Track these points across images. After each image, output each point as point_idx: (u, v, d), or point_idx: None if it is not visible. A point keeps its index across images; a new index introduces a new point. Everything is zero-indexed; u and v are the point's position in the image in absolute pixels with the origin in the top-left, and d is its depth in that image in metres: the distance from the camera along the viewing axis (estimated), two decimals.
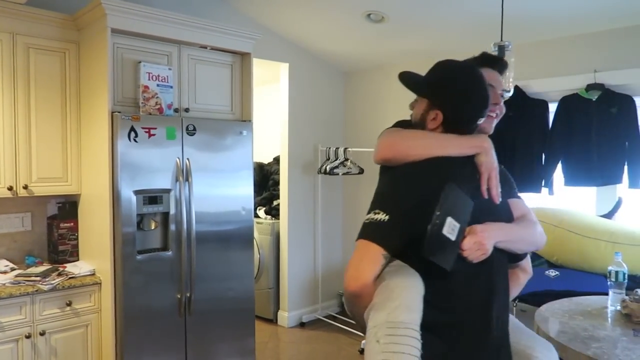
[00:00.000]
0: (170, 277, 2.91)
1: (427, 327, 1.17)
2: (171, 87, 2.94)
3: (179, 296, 2.94)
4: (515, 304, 2.91)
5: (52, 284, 2.68)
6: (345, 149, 4.37)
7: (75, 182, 3.02)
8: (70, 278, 2.79)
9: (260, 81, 5.27)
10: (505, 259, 1.38)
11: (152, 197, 2.83)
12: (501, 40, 2.50)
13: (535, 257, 3.23)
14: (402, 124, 1.52)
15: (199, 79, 3.15)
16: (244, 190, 3.23)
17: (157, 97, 2.88)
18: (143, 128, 2.76)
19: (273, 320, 4.64)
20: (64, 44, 2.93)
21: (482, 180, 1.33)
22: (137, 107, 2.86)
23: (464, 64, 1.41)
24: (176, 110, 3.01)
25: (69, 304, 2.75)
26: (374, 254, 1.23)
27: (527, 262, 1.50)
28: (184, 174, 2.94)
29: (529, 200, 2.10)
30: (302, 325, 4.60)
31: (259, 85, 5.39)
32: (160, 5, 3.39)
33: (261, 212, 4.78)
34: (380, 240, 1.23)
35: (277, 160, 4.94)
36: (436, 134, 1.37)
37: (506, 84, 2.44)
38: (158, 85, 2.88)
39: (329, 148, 4.49)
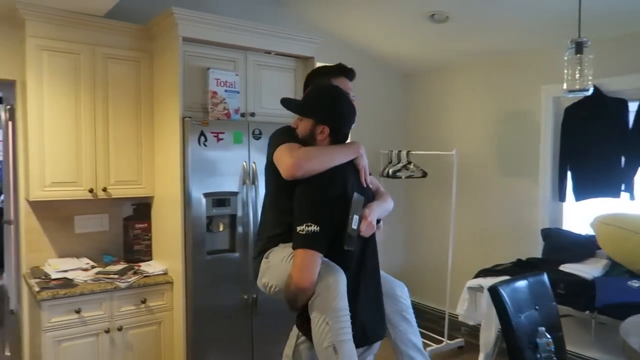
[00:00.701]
0: (237, 278, 2.98)
1: None
2: (238, 92, 3.02)
3: (245, 297, 3.00)
4: (593, 316, 2.74)
5: (128, 282, 2.82)
6: (408, 152, 4.31)
7: (149, 185, 3.17)
8: (144, 277, 2.92)
9: None
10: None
11: (220, 200, 2.91)
12: (579, 36, 2.36)
13: (615, 265, 3.03)
14: (289, 133, 1.84)
15: (264, 84, 3.22)
16: None
17: (225, 102, 2.96)
18: (212, 132, 2.85)
19: None
20: (138, 53, 3.09)
21: (361, 175, 1.83)
22: (205, 112, 2.96)
23: (333, 87, 1.85)
24: (242, 115, 3.08)
25: (144, 302, 2.88)
26: (316, 259, 1.62)
27: (382, 224, 1.96)
28: (250, 177, 3.00)
29: (607, 205, 1.98)
30: None
31: None
32: (226, 13, 3.49)
33: None
34: (318, 247, 1.63)
35: None
36: (326, 148, 1.76)
37: (584, 82, 2.32)
38: (225, 90, 2.96)
39: (391, 151, 4.44)
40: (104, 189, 3.00)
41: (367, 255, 1.83)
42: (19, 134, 3.05)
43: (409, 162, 4.30)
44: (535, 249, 3.69)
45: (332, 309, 1.60)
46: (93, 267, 3.03)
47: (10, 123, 5.01)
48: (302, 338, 1.78)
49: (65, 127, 2.87)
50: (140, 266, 3.07)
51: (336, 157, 1.74)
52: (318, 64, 3.51)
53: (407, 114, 4.90)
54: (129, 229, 3.24)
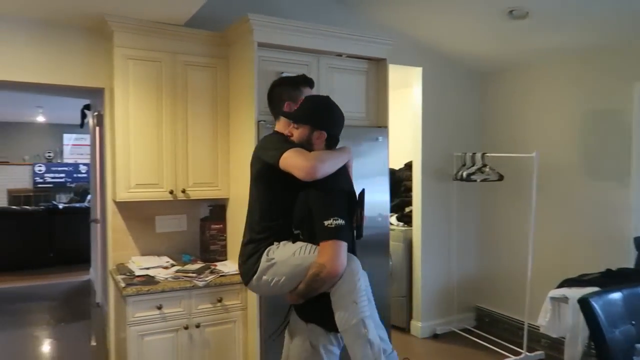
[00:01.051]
0: None
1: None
2: None
3: None
4: None
5: (205, 280, 2.91)
6: (483, 154, 4.15)
7: (224, 186, 3.26)
8: (220, 276, 3.00)
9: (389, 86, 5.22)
10: None
11: None
12: None
13: None
14: (285, 139, 2.05)
15: (336, 87, 3.21)
16: (380, 196, 3.21)
17: None
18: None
19: (405, 330, 4.55)
20: (214, 60, 3.19)
21: (350, 171, 2.13)
22: None
23: (325, 97, 2.14)
24: None
25: (220, 300, 2.96)
26: (345, 248, 1.86)
27: None
28: None
29: None
30: (435, 337, 4.44)
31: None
32: (298, 18, 3.53)
33: (392, 218, 4.72)
34: (345, 238, 1.88)
35: (408, 166, 4.85)
36: (331, 152, 2.01)
37: None
38: None
39: (465, 153, 4.30)
40: (183, 191, 3.12)
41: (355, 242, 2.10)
42: (107, 138, 3.24)
43: (484, 165, 4.14)
44: (626, 259, 3.42)
45: (358, 289, 1.85)
46: (172, 265, 3.16)
47: (97, 128, 5.38)
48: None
49: (148, 132, 3.02)
50: (216, 265, 3.16)
51: (340, 160, 2.00)
52: (391, 66, 3.50)
53: (482, 114, 4.72)
54: (205, 229, 3.35)
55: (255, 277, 2.03)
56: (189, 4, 2.84)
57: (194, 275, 2.95)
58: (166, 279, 2.92)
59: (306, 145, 2.01)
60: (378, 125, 3.34)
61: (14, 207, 9.08)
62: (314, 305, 1.97)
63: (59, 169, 11.20)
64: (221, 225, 3.34)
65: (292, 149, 1.93)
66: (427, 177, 4.42)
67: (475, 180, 4.13)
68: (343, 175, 2.02)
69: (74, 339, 4.52)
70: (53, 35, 3.06)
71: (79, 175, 11.26)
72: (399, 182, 4.89)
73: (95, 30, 3.14)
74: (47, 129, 11.20)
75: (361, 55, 3.28)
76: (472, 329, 4.55)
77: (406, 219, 4.67)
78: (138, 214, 3.29)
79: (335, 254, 1.83)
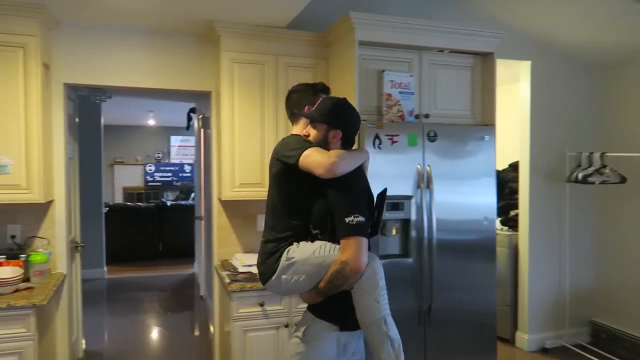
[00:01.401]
0: (410, 285, 2.90)
1: None
2: (412, 93, 2.94)
3: (418, 304, 2.91)
4: None
5: None
6: (602, 153, 3.77)
7: None
8: None
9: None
10: None
11: (394, 204, 2.86)
12: None
13: None
14: (304, 139, 2.04)
15: (439, 84, 3.09)
16: (486, 198, 3.04)
17: (399, 105, 2.91)
18: (386, 135, 2.82)
19: (510, 341, 4.27)
20: (315, 61, 3.21)
21: (366, 172, 2.14)
22: (380, 115, 2.94)
23: (343, 99, 2.09)
24: (417, 117, 3.00)
25: None
26: (366, 244, 1.86)
27: None
28: (425, 181, 2.90)
29: None
30: (544, 351, 4.12)
31: None
32: (399, 13, 3.45)
33: (496, 222, 4.45)
34: (365, 234, 1.88)
35: (513, 166, 4.55)
36: (350, 152, 2.01)
37: None
38: (400, 92, 2.91)
39: (580, 153, 3.94)
40: None
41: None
42: (213, 139, 3.38)
43: (603, 166, 3.76)
44: None
45: (380, 288, 1.91)
46: None
47: (202, 130, 5.67)
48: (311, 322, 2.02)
49: (251, 132, 3.10)
50: None
51: (358, 159, 2.02)
52: (499, 61, 3.29)
53: (600, 110, 4.30)
54: None
55: (274, 276, 2.01)
56: (292, 7, 2.87)
57: None
58: None
59: (323, 144, 2.02)
60: (484, 124, 3.16)
61: (128, 203, 9.92)
62: (330, 303, 1.96)
63: (167, 168, 12.06)
64: None
65: (312, 148, 1.96)
66: (536, 178, 4.11)
67: (593, 183, 3.77)
68: (361, 174, 2.04)
69: (179, 328, 4.80)
70: (165, 43, 3.26)
71: (184, 174, 12.04)
72: (503, 183, 4.60)
73: (203, 36, 3.29)
74: (157, 131, 12.11)
75: (466, 50, 3.12)
76: (587, 346, 4.16)
77: (511, 223, 4.38)
78: (241, 212, 3.40)
79: (358, 251, 1.84)
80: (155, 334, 4.73)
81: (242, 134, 3.09)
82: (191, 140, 9.69)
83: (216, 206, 3.40)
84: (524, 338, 4.16)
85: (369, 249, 1.92)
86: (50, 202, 3.07)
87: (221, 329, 3.34)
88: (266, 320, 2.89)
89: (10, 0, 2.65)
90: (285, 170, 2.01)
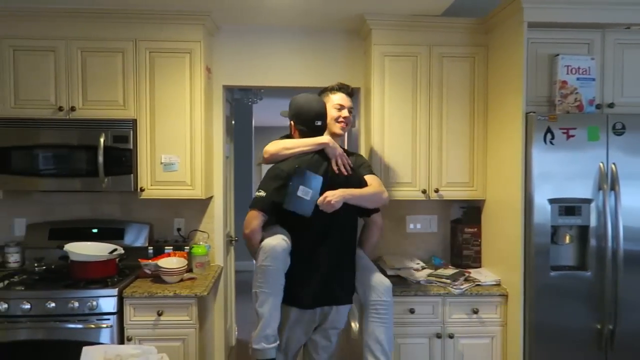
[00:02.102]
0: (588, 302, 2.50)
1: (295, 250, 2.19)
2: (593, 79, 2.53)
3: (599, 326, 2.49)
4: None
5: (461, 288, 2.69)
6: None
7: (481, 187, 2.98)
8: (476, 285, 2.74)
9: None
10: (354, 211, 2.35)
11: (568, 208, 2.48)
12: None
13: None
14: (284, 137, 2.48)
15: (627, 67, 2.62)
16: None
17: (577, 93, 2.51)
18: (560, 129, 2.46)
19: None
20: (472, 49, 2.94)
21: (332, 163, 2.33)
22: (551, 105, 2.57)
23: (303, 96, 2.42)
24: (598, 107, 2.57)
25: (476, 312, 2.70)
26: (256, 215, 2.19)
27: (377, 217, 2.49)
28: (608, 182, 2.46)
29: None
30: None
31: None
32: None
33: None
34: (259, 207, 2.20)
35: None
36: (293, 141, 2.36)
37: None
38: (578, 78, 2.51)
39: None
40: (436, 190, 2.96)
41: (332, 227, 2.27)
42: (360, 137, 3.29)
43: None
44: None
45: (259, 265, 2.13)
46: (423, 268, 3.03)
47: None
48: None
49: (403, 129, 2.94)
50: (470, 272, 2.91)
51: (296, 146, 2.32)
52: None
53: None
54: (457, 232, 3.13)
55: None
56: None
57: (448, 281, 2.75)
58: (419, 281, 2.80)
59: (292, 135, 2.46)
60: None
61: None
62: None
63: None
64: (475, 229, 3.07)
65: (273, 141, 2.42)
66: None
67: None
68: (296, 158, 2.29)
69: None
70: (315, 41, 3.25)
71: None
72: None
73: (352, 31, 3.22)
74: None
75: None
76: None
77: None
78: (390, 212, 3.26)
79: (246, 220, 2.21)
80: None
81: (393, 131, 2.94)
82: None
83: None
84: None
85: (302, 225, 2.20)
86: (210, 198, 3.25)
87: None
88: (417, 329, 2.72)
89: (179, 10, 2.84)
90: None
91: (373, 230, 2.51)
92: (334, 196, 2.18)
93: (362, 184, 2.36)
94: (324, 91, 2.56)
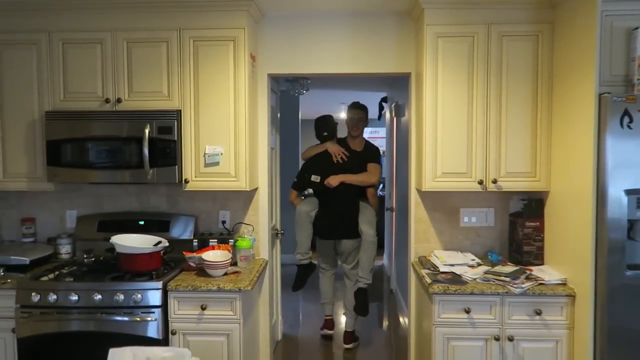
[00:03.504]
0: None
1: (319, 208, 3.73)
2: None
3: None
4: None
5: (522, 287, 2.47)
6: None
7: (544, 177, 2.74)
8: (539, 284, 2.51)
9: None
10: (351, 187, 3.64)
11: None
12: None
13: None
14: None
15: None
16: None
17: None
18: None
19: None
20: (536, 27, 2.69)
21: (333, 157, 3.71)
22: (628, 85, 2.30)
23: (317, 118, 3.87)
24: None
25: (539, 313, 2.48)
26: (293, 192, 3.81)
27: (370, 189, 3.75)
28: None
29: None
30: None
31: None
32: None
33: None
34: (293, 187, 3.82)
35: None
36: (312, 148, 3.88)
37: None
38: None
39: None
40: (494, 181, 2.74)
41: (335, 196, 3.63)
42: (411, 125, 3.11)
43: None
44: None
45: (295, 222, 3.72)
46: (479, 264, 2.82)
47: (394, 119, 5.46)
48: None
49: (457, 116, 2.75)
50: (532, 270, 2.68)
51: (313, 151, 3.83)
52: None
53: None
54: (517, 226, 2.90)
55: None
56: None
57: (507, 279, 2.54)
58: (474, 279, 2.61)
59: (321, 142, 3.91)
60: None
61: None
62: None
63: None
64: (538, 223, 2.82)
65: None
66: None
67: None
68: (311, 159, 3.82)
69: (370, 319, 4.69)
70: (363, 25, 3.10)
71: None
72: None
73: (403, 13, 3.04)
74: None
75: None
76: None
77: None
78: (442, 205, 3.08)
79: (290, 194, 3.82)
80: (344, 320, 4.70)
81: (447, 117, 2.75)
82: (381, 131, 9.61)
83: (414, 198, 3.13)
84: None
85: (318, 194, 3.75)
86: (254, 190, 3.18)
87: (418, 331, 3.08)
88: (472, 330, 2.53)
89: None
90: None
91: (369, 197, 3.75)
92: (333, 180, 3.59)
93: (362, 169, 3.69)
94: (348, 107, 3.93)
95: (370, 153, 3.79)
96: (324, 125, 3.79)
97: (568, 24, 2.52)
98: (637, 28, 2.25)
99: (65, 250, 3.07)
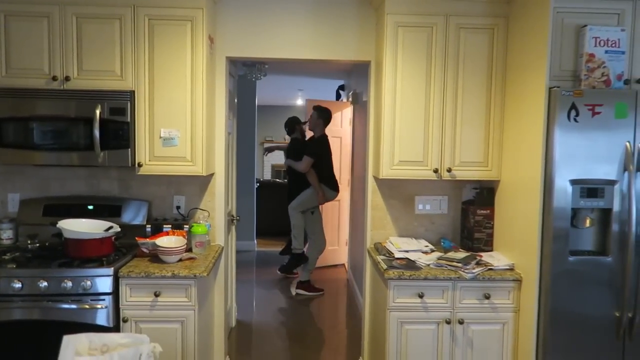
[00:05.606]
0: (606, 288, 2.37)
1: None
2: (622, 52, 2.36)
3: (617, 314, 2.36)
4: None
5: (473, 272, 2.57)
6: None
7: (496, 167, 2.83)
8: (489, 269, 2.62)
9: None
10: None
11: (591, 189, 2.34)
12: None
13: None
14: None
15: None
16: None
17: (604, 67, 2.35)
18: (586, 105, 2.30)
19: None
20: (492, 20, 2.76)
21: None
22: (575, 80, 2.41)
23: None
24: (627, 82, 2.40)
25: (488, 297, 2.59)
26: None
27: (300, 170, 5.11)
28: (635, 163, 2.32)
29: None
30: None
31: None
32: None
33: None
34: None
35: None
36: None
37: None
38: (606, 52, 2.34)
39: None
40: (449, 170, 2.82)
41: (291, 174, 5.45)
42: (370, 113, 3.14)
43: None
44: None
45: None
46: (432, 250, 2.90)
47: (351, 107, 5.50)
48: None
49: (415, 105, 2.79)
50: (482, 256, 2.79)
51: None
52: None
53: None
54: (468, 214, 2.99)
55: None
56: None
57: (459, 265, 2.63)
58: (428, 265, 2.68)
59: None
60: None
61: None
62: None
63: None
64: (488, 211, 2.93)
65: None
66: None
67: None
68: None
69: (324, 304, 4.75)
70: (325, 11, 3.08)
71: None
72: None
73: (364, 1, 3.04)
74: (304, 110, 12.37)
75: None
76: None
77: None
78: (398, 192, 3.13)
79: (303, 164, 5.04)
80: (300, 307, 4.74)
81: (405, 107, 2.79)
82: (336, 118, 9.69)
83: (371, 185, 3.17)
84: None
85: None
86: (211, 176, 3.12)
87: (372, 315, 3.14)
88: (425, 314, 2.60)
89: None
90: None
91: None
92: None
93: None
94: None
95: (309, 144, 5.18)
96: (286, 122, 5.71)
97: (522, 19, 2.60)
98: (585, 25, 2.35)
99: (6, 235, 2.91)
